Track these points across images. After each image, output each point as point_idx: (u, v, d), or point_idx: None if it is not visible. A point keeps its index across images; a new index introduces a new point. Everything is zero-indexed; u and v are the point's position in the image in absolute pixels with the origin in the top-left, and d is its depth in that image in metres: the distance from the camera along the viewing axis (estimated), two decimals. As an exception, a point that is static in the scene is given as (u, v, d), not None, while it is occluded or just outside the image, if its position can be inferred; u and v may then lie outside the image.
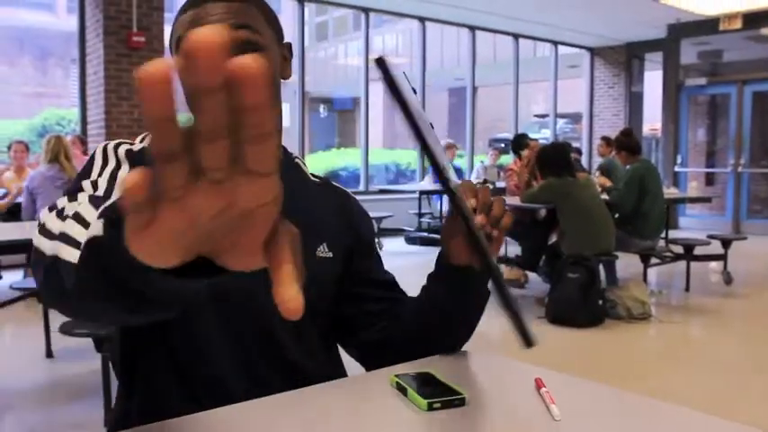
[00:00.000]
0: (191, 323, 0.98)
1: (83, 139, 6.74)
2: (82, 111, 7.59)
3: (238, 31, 0.96)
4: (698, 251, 5.87)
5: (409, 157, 14.29)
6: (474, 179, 8.48)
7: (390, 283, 1.20)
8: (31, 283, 4.44)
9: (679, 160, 10.90)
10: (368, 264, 1.19)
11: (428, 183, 9.29)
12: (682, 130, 11.03)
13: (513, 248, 6.72)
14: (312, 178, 1.19)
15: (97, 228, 0.61)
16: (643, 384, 3.43)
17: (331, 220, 1.15)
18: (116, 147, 1.02)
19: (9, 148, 6.67)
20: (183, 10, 1.02)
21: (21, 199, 5.61)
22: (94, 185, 0.95)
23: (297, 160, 1.19)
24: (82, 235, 0.73)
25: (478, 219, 0.91)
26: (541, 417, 0.91)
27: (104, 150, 1.01)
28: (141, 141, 1.06)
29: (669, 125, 11.02)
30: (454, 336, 1.12)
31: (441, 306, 1.07)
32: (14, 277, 5.41)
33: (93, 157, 1.01)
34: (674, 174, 10.72)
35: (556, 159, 5.00)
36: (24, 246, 3.87)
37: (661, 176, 6.23)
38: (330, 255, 1.11)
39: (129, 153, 1.00)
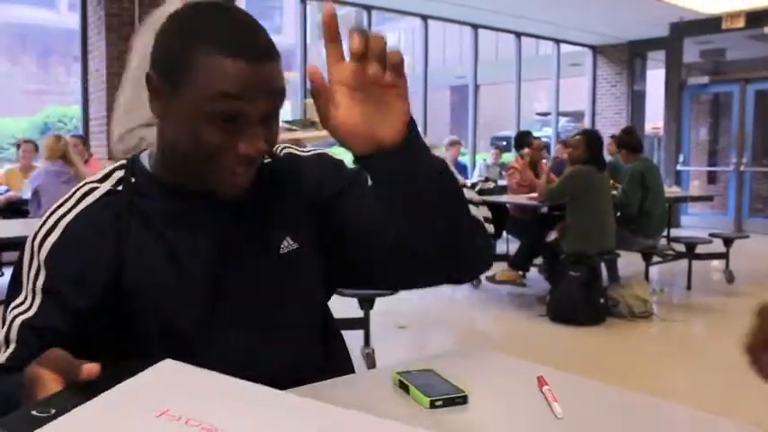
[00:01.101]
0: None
1: (84, 139, 6.72)
2: (84, 108, 7.58)
3: (277, 99, 0.93)
4: (700, 250, 5.86)
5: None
6: (476, 177, 8.48)
7: None
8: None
9: (681, 159, 10.89)
10: (352, 210, 1.07)
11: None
12: (684, 129, 11.02)
13: (514, 247, 6.72)
14: (266, 160, 1.07)
15: None
16: (644, 383, 3.43)
17: (289, 204, 1.07)
18: (40, 244, 0.97)
19: (18, 146, 6.69)
20: (220, 50, 0.89)
21: (27, 196, 5.61)
22: (11, 313, 0.95)
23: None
24: None
25: (371, 67, 0.83)
26: (543, 415, 0.92)
27: (30, 252, 0.98)
28: (75, 203, 1.01)
29: (671, 124, 11.00)
30: (432, 230, 0.97)
31: (386, 206, 0.97)
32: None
33: (20, 262, 0.99)
34: (676, 172, 10.70)
35: (596, 148, 4.94)
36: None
37: (663, 175, 6.23)
38: (296, 246, 1.05)
39: (50, 254, 0.96)
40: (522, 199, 6.02)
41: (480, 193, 6.87)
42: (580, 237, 4.83)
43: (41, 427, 0.58)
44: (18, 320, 0.94)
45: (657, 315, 4.91)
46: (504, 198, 6.45)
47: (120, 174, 1.04)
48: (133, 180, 1.03)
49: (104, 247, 0.97)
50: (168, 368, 0.76)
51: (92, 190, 1.03)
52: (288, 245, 1.05)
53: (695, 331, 4.81)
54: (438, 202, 0.95)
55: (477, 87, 11.15)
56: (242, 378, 0.92)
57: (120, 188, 1.02)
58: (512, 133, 9.52)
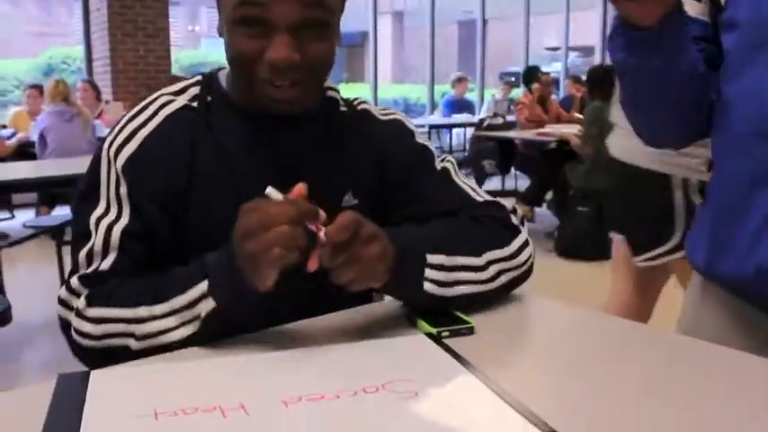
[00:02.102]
0: None
1: (93, 84, 6.64)
2: (87, 49, 7.50)
3: (309, 9, 0.90)
4: (708, 185, 5.81)
5: (418, 91, 14.13)
6: (484, 113, 8.39)
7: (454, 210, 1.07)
8: (43, 221, 4.49)
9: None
10: (411, 193, 1.08)
11: (438, 117, 9.21)
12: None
13: (522, 183, 6.70)
14: (343, 109, 1.11)
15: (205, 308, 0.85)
16: (651, 317, 3.45)
17: (357, 159, 1.08)
18: (116, 153, 0.97)
19: (23, 91, 6.64)
20: None
21: (35, 138, 5.61)
22: (98, 223, 0.95)
23: (331, 93, 1.11)
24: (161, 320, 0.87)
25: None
26: (550, 346, 0.92)
27: (107, 161, 0.98)
28: (151, 114, 1.00)
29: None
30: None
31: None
32: (27, 215, 5.46)
33: (96, 169, 0.99)
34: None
35: (606, 81, 4.79)
36: (36, 185, 3.90)
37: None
38: (356, 202, 1.06)
39: (127, 165, 0.96)
40: (530, 135, 5.97)
41: (488, 128, 6.81)
42: (598, 173, 4.78)
43: None
44: (116, 228, 0.94)
45: (665, 250, 4.90)
46: (512, 134, 6.40)
47: (195, 90, 1.04)
48: (209, 99, 1.02)
49: (178, 168, 0.98)
50: (109, 379, 0.77)
51: (168, 102, 1.02)
52: (348, 199, 1.06)
53: (703, 266, 4.80)
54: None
55: (485, 22, 10.94)
56: (278, 311, 0.94)
57: (195, 104, 1.02)
58: (520, 69, 9.37)
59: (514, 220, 1.06)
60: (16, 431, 0.67)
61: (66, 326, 0.94)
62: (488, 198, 1.09)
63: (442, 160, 1.12)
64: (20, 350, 3.23)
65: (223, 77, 1.05)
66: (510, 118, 7.36)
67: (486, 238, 1.01)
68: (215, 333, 0.87)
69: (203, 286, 0.85)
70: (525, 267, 1.03)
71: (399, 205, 1.09)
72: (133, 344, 0.88)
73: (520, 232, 1.05)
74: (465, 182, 1.11)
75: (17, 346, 3.25)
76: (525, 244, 1.04)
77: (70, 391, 0.73)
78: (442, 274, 0.94)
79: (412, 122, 1.16)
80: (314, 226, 0.80)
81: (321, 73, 0.98)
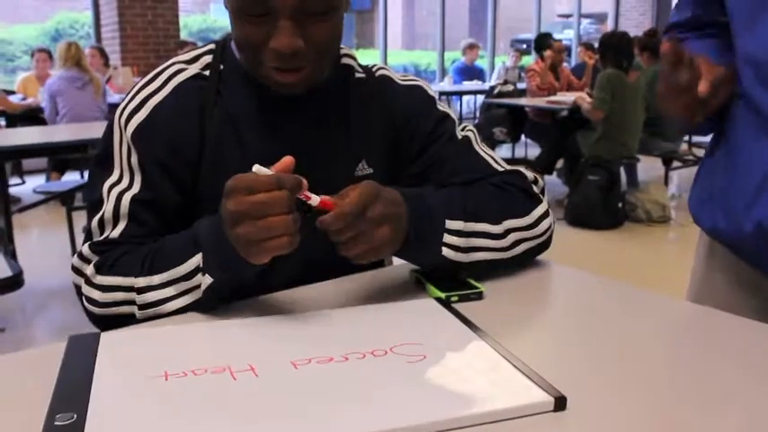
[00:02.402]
0: None
1: (102, 50, 6.61)
2: (95, 14, 7.45)
3: (312, 4, 0.88)
4: (721, 154, 5.76)
5: (429, 58, 14.00)
6: (495, 80, 8.32)
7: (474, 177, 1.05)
8: (53, 186, 4.50)
9: (707, 61, 10.57)
10: (431, 162, 1.07)
11: (447, 84, 9.13)
12: (711, 29, 10.64)
13: (533, 151, 6.67)
14: (359, 75, 1.09)
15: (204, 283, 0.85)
16: (660, 286, 3.45)
17: (373, 127, 1.06)
18: (126, 121, 0.97)
19: (32, 55, 6.61)
20: None
21: (43, 104, 5.60)
22: (110, 191, 0.96)
23: (346, 59, 1.09)
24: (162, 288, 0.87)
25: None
26: (558, 311, 0.92)
27: (119, 129, 0.97)
28: (162, 82, 0.99)
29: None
30: None
31: None
32: (37, 182, 5.48)
33: (110, 137, 0.98)
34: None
35: (620, 48, 4.74)
36: (46, 150, 3.90)
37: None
38: (370, 171, 1.05)
39: (136, 133, 0.96)
40: (541, 102, 5.92)
41: (499, 95, 6.76)
42: (601, 143, 4.75)
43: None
44: (126, 196, 0.95)
45: (675, 220, 4.89)
46: (523, 101, 6.35)
47: (208, 58, 1.03)
48: (221, 68, 1.02)
49: (188, 136, 0.97)
50: (119, 340, 0.78)
51: (180, 71, 1.01)
52: (362, 168, 1.05)
53: (713, 235, 4.78)
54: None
55: (496, -13, 10.77)
56: (290, 277, 0.94)
57: (207, 73, 1.01)
58: (532, 36, 9.26)
59: (536, 189, 1.05)
60: (28, 391, 0.68)
61: (79, 292, 0.95)
62: (510, 167, 1.08)
63: (463, 129, 1.11)
64: (32, 314, 3.27)
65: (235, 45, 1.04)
66: (521, 85, 7.30)
67: (506, 205, 1.00)
68: (217, 302, 0.88)
69: (198, 260, 0.85)
70: (544, 238, 1.03)
71: (418, 174, 1.08)
72: (137, 312, 0.88)
73: (541, 202, 1.04)
74: (486, 151, 1.10)
75: (29, 310, 3.29)
76: (545, 215, 1.03)
77: (81, 352, 0.74)
78: (461, 239, 0.94)
79: (432, 89, 1.14)
80: (302, 195, 0.80)
81: (328, 53, 0.96)
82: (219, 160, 0.98)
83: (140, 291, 0.88)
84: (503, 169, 1.07)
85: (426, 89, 1.12)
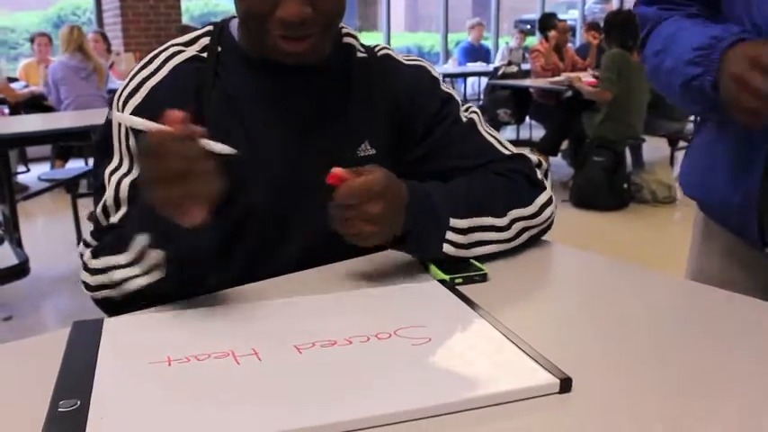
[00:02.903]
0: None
1: (104, 35, 6.57)
2: (96, -1, 7.42)
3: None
4: (728, 133, 5.72)
5: (432, 40, 13.91)
6: (499, 61, 8.27)
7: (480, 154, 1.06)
8: (57, 174, 4.51)
9: (713, 39, 10.47)
10: (435, 145, 1.07)
11: (452, 66, 9.08)
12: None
13: (537, 132, 6.64)
14: (361, 55, 1.07)
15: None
16: (665, 266, 3.44)
17: (376, 107, 1.05)
18: (123, 104, 0.96)
19: (32, 40, 6.57)
20: None
21: (45, 91, 5.58)
22: (110, 177, 0.95)
23: (348, 39, 1.07)
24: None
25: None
26: (563, 294, 0.92)
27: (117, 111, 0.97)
28: (159, 65, 0.98)
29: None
30: None
31: None
32: (42, 169, 5.49)
33: (109, 122, 0.98)
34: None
35: (625, 27, 4.65)
36: (49, 137, 3.90)
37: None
38: (373, 152, 1.04)
39: (134, 114, 0.93)
40: (544, 83, 5.88)
41: (503, 77, 6.72)
42: (606, 124, 4.73)
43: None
44: (125, 181, 0.94)
45: (681, 200, 4.86)
46: (527, 82, 6.31)
47: (206, 40, 1.02)
48: (219, 49, 1.01)
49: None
50: (122, 326, 0.77)
51: (177, 53, 1.00)
52: (365, 149, 1.04)
53: (719, 215, 4.76)
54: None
55: (500, -33, 10.68)
56: (295, 258, 0.94)
57: (205, 55, 1.00)
58: (536, 16, 9.19)
59: (539, 174, 1.05)
60: (32, 378, 0.68)
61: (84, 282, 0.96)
62: (514, 151, 1.08)
63: (467, 110, 1.10)
64: (38, 302, 3.28)
65: (234, 27, 1.03)
66: (525, 66, 7.25)
67: (511, 196, 1.01)
68: (190, 275, 0.86)
69: (144, 238, 0.83)
70: (546, 224, 1.05)
71: (422, 157, 1.07)
72: (114, 294, 0.88)
73: (544, 189, 1.05)
74: (491, 133, 1.09)
75: (35, 297, 3.30)
76: (549, 202, 1.04)
77: (84, 338, 0.74)
78: (464, 237, 0.95)
79: (437, 70, 1.13)
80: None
81: (333, 23, 0.95)
82: (217, 136, 0.96)
83: (110, 268, 0.87)
84: (507, 153, 1.07)
85: (430, 69, 1.11)
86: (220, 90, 0.98)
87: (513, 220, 0.99)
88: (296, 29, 0.89)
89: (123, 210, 0.94)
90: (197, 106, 0.97)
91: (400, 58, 1.11)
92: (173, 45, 1.02)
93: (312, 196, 0.99)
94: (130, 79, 0.98)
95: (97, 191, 0.97)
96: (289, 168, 0.99)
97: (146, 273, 0.85)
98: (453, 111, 1.08)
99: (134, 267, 0.86)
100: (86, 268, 0.92)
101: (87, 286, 0.92)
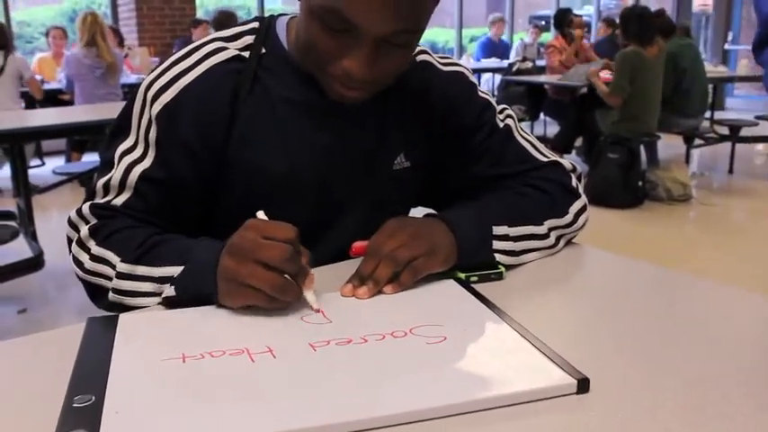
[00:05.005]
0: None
1: (116, 30, 6.59)
2: (112, -7, 7.44)
3: (404, 20, 0.81)
4: (744, 132, 5.68)
5: (446, 35, 13.86)
6: (513, 57, 8.23)
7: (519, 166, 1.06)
8: (72, 167, 4.53)
9: (730, 37, 10.37)
10: (472, 154, 1.05)
11: (465, 62, 9.05)
12: (735, 5, 10.43)
13: (552, 129, 6.61)
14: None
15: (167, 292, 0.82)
16: (680, 265, 3.42)
17: (413, 118, 1.03)
18: (154, 98, 0.92)
19: (47, 34, 6.61)
20: None
21: (59, 85, 5.61)
22: (121, 157, 0.94)
23: (422, 57, 1.05)
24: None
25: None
26: (578, 292, 0.91)
27: (143, 101, 0.94)
28: (196, 61, 0.94)
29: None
30: None
31: None
32: (57, 163, 5.51)
33: (132, 105, 0.95)
34: (723, 51, 10.23)
35: (642, 23, 4.64)
36: (64, 131, 3.91)
37: (709, 54, 5.94)
38: (408, 164, 1.03)
39: (162, 112, 0.92)
40: (554, 79, 5.85)
41: (518, 72, 6.69)
42: (622, 121, 4.69)
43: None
44: (136, 169, 0.93)
45: (697, 199, 4.83)
46: (542, 78, 6.27)
47: (249, 39, 0.97)
48: (264, 51, 0.96)
49: (217, 120, 0.93)
50: (137, 323, 0.77)
51: (217, 50, 0.94)
52: (400, 162, 1.03)
53: (735, 216, 4.73)
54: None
55: (515, -37, 10.62)
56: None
57: (246, 55, 0.96)
58: (551, 12, 9.13)
59: (573, 181, 1.05)
60: (47, 372, 0.68)
61: (70, 246, 0.97)
62: (550, 157, 1.08)
63: (503, 113, 1.08)
64: (52, 295, 3.30)
65: (281, 28, 0.98)
66: (540, 62, 7.21)
67: (547, 207, 1.01)
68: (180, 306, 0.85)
69: (175, 271, 0.83)
70: (581, 230, 1.06)
71: (459, 166, 1.06)
72: (110, 294, 0.88)
73: (579, 197, 1.05)
74: (527, 138, 1.09)
75: (49, 291, 3.32)
76: (583, 209, 1.05)
77: (99, 334, 0.74)
78: (509, 243, 0.95)
79: (472, 73, 1.10)
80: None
81: (393, 79, 0.92)
82: (252, 140, 0.95)
83: (120, 276, 0.87)
84: (543, 160, 1.07)
85: (467, 74, 1.08)
86: (259, 93, 0.95)
87: (551, 229, 1.00)
88: (357, 83, 0.87)
89: (126, 195, 0.94)
90: (231, 106, 0.94)
91: (437, 62, 1.07)
92: (215, 39, 0.97)
93: (344, 210, 0.99)
94: (164, 70, 0.94)
95: (104, 164, 0.96)
96: (323, 182, 0.98)
97: (153, 294, 0.85)
98: (490, 118, 1.06)
99: (146, 284, 0.85)
100: (83, 245, 0.92)
101: (80, 264, 0.92)
